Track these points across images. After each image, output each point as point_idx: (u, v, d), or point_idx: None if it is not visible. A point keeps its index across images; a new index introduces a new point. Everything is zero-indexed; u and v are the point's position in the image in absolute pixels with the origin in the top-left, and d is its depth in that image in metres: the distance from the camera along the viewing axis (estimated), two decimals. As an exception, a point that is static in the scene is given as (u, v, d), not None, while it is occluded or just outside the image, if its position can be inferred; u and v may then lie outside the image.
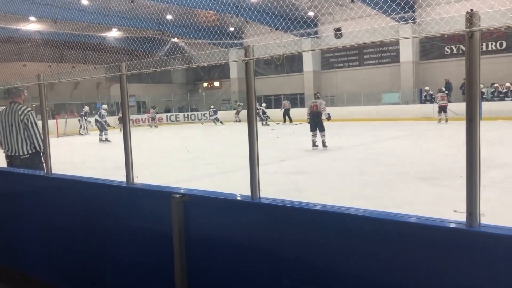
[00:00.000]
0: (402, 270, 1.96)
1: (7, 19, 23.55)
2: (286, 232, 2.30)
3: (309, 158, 10.95)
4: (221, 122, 27.42)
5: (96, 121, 19.31)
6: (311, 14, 26.03)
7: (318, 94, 13.49)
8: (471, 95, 1.81)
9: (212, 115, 27.73)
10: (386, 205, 5.80)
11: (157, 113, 30.20)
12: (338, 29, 22.06)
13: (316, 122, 12.21)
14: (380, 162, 9.82)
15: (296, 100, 30.96)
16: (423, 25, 23.00)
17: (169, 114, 32.29)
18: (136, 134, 14.91)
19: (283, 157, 10.82)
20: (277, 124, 24.40)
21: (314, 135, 12.23)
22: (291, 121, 25.37)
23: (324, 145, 12.13)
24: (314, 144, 12.21)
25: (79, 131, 23.93)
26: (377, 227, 2.02)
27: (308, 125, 12.53)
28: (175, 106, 36.51)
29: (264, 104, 26.21)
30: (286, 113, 25.87)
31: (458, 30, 1.94)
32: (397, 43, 26.32)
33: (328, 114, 12.61)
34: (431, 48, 26.25)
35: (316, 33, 28.07)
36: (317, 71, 31.20)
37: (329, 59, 30.78)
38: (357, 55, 29.31)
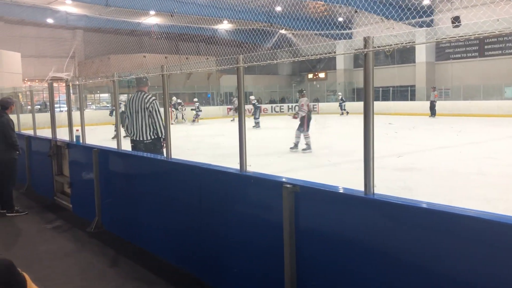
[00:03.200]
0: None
1: (130, 14, 25.62)
2: (399, 230, 2.22)
3: (421, 154, 10.42)
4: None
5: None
6: (426, 2, 24.56)
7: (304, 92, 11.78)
8: None
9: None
10: (507, 209, 5.33)
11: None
12: (457, 18, 20.54)
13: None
14: (500, 162, 9.04)
15: (406, 92, 29.58)
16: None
17: (273, 105, 32.75)
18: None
19: (399, 153, 10.29)
20: None
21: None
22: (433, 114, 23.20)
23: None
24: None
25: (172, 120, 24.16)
26: (498, 231, 1.86)
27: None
28: (279, 97, 36.94)
29: None
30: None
31: None
32: (525, 31, 23.80)
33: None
34: None
35: (431, 22, 26.40)
36: (431, 62, 29.41)
37: (445, 49, 28.82)
38: (477, 45, 27.04)
